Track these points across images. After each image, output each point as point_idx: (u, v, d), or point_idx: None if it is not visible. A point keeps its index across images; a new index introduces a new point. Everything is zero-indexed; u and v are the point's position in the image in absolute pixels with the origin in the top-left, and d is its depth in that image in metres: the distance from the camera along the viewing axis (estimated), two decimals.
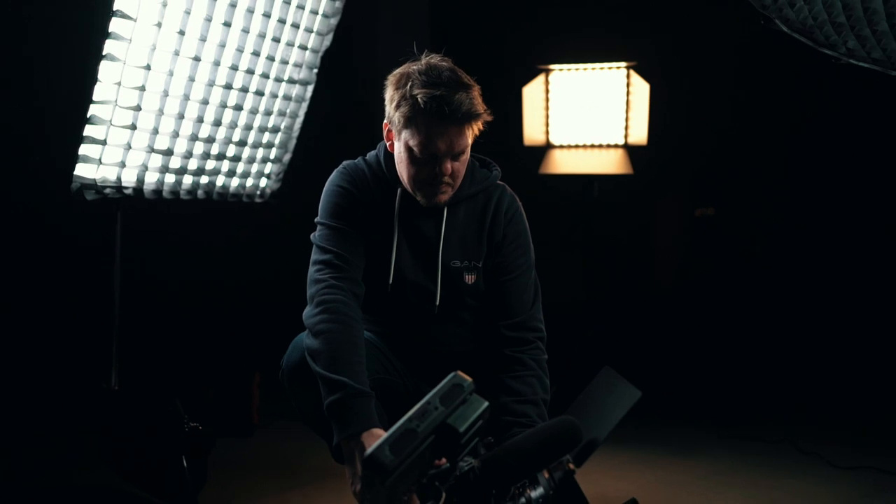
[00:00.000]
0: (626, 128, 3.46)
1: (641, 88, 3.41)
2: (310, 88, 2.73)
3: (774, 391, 3.56)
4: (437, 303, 1.90)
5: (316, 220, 1.92)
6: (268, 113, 2.64)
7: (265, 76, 2.54)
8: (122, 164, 2.32)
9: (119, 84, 2.16)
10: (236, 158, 2.66)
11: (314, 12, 2.55)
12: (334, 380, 1.67)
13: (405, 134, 1.80)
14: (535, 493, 1.31)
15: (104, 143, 2.23)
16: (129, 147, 2.29)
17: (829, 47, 2.00)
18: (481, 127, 1.84)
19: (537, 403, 1.80)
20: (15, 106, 2.87)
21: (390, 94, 1.83)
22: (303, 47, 2.60)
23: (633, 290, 4.12)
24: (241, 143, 2.64)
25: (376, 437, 1.57)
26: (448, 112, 1.74)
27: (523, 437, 1.38)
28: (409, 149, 1.80)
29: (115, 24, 2.06)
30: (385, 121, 1.87)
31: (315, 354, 1.74)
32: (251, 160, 2.72)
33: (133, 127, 2.26)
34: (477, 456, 1.34)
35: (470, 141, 1.84)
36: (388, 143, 1.89)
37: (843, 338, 3.63)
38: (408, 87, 1.77)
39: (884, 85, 2.29)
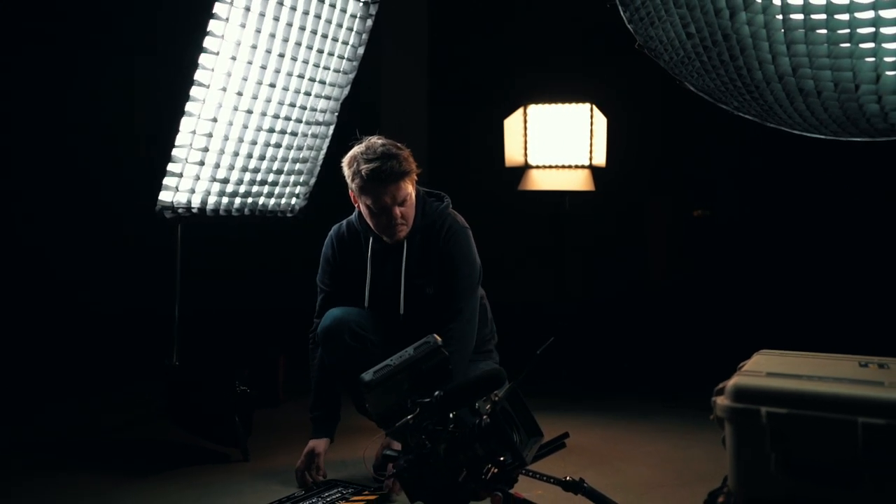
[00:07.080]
0: (590, 152, 3.88)
1: (601, 121, 3.90)
2: (331, 127, 3.27)
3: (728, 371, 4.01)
4: (402, 312, 2.44)
5: (318, 276, 2.57)
6: (299, 148, 3.20)
7: (298, 121, 3.11)
8: (192, 191, 2.85)
9: (193, 132, 2.72)
10: (274, 183, 3.20)
11: (337, 71, 3.14)
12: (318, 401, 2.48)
13: (363, 197, 2.37)
14: (484, 422, 1.76)
15: (180, 175, 2.77)
16: (197, 178, 2.83)
17: (724, 103, 2.60)
18: (416, 178, 2.39)
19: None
20: (120, 149, 3.46)
21: (346, 173, 2.40)
22: (327, 98, 3.17)
23: (604, 289, 4.69)
24: (279, 172, 3.18)
25: (319, 443, 2.39)
26: (385, 177, 2.30)
27: (468, 377, 1.88)
28: (367, 207, 2.37)
29: (194, 91, 2.64)
30: (350, 191, 2.44)
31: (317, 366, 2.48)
32: (285, 184, 3.26)
33: (201, 163, 2.81)
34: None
35: (410, 189, 2.37)
36: (357, 206, 2.48)
37: (792, 324, 4.02)
38: (355, 165, 2.35)
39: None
